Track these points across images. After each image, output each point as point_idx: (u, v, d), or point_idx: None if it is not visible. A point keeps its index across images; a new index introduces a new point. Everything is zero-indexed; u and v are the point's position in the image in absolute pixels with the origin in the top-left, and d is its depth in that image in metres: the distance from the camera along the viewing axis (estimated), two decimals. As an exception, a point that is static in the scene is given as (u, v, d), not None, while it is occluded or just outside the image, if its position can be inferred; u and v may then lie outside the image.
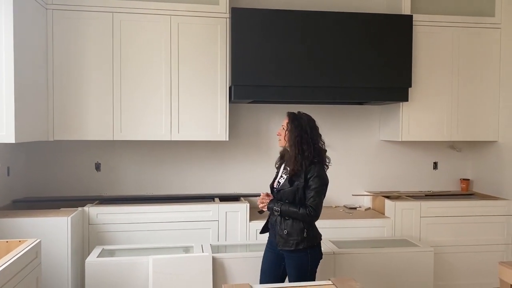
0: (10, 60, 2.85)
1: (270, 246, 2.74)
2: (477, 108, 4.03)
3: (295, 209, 2.52)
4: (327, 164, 2.64)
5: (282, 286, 2.16)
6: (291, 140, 2.58)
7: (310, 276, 2.59)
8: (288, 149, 2.63)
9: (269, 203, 2.62)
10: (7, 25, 2.85)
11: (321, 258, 2.66)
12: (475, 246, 3.84)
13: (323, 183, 2.56)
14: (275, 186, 2.71)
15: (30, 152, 3.80)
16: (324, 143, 2.66)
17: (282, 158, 2.75)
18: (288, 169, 2.63)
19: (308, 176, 2.53)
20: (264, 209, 2.68)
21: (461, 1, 4.12)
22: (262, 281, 2.71)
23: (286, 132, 2.61)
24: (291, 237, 2.55)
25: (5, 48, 2.85)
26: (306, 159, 2.53)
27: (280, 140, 2.68)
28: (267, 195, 2.68)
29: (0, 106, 2.85)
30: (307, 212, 2.50)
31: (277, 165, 2.81)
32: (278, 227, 2.59)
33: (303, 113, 2.67)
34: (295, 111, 2.69)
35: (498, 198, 3.99)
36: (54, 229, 3.03)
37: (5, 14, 2.84)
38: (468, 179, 4.39)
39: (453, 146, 4.38)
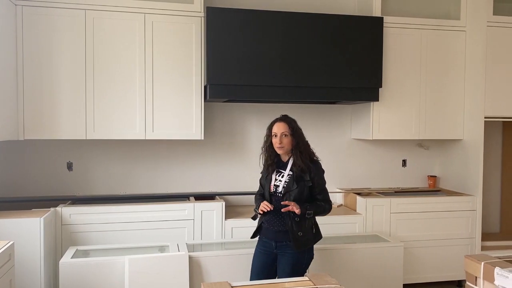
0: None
1: (263, 247, 2.76)
2: (444, 108, 4.19)
3: (322, 208, 2.70)
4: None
5: (259, 283, 2.20)
6: (300, 141, 2.69)
7: (302, 274, 2.64)
8: (289, 153, 2.71)
9: (301, 209, 2.59)
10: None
11: (312, 257, 2.77)
12: (442, 240, 3.99)
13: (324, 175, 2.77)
14: (272, 190, 2.71)
15: (-2, 151, 3.70)
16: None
17: (273, 163, 2.75)
18: (283, 171, 2.71)
19: (313, 175, 2.66)
20: (263, 210, 2.64)
21: (429, 4, 4.27)
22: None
23: (292, 137, 2.68)
24: (305, 237, 2.66)
25: (-26, 45, 2.78)
26: (312, 154, 2.72)
27: (282, 147, 2.69)
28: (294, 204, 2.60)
29: (-32, 105, 2.78)
30: (329, 206, 2.73)
31: (265, 171, 2.80)
32: (291, 230, 2.61)
33: (287, 115, 2.81)
34: (280, 115, 2.78)
35: (463, 194, 4.16)
36: (26, 231, 2.97)
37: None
38: (435, 176, 4.56)
39: (421, 144, 4.54)
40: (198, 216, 3.56)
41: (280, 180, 2.70)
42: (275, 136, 2.70)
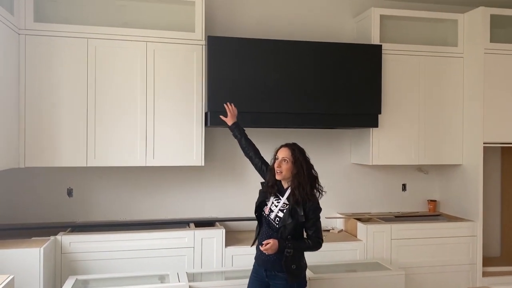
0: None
1: (256, 274, 2.74)
2: (443, 133, 4.21)
3: (306, 246, 2.62)
4: (321, 191, 2.71)
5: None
6: (301, 172, 2.62)
7: None
8: (289, 181, 2.66)
9: (279, 246, 2.54)
10: (-21, 53, 2.79)
11: (306, 285, 2.74)
12: (443, 267, 3.97)
13: (320, 213, 2.67)
14: (266, 213, 2.68)
15: (-2, 178, 3.69)
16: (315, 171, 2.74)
17: (273, 188, 2.71)
18: (281, 197, 2.66)
19: (307, 210, 2.59)
20: (268, 252, 2.57)
21: (427, 31, 4.33)
22: None
23: (293, 165, 2.63)
24: (298, 270, 2.62)
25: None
26: (313, 188, 2.64)
27: (280, 172, 2.66)
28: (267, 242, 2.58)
29: (-30, 136, 2.78)
30: (316, 244, 2.64)
31: (265, 193, 2.76)
32: (285, 264, 2.57)
33: (295, 143, 2.76)
34: (290, 142, 2.76)
35: (463, 219, 4.16)
36: (25, 261, 2.94)
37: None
38: (435, 200, 4.56)
39: (421, 168, 4.55)
40: (198, 244, 3.54)
41: (275, 206, 2.67)
42: (277, 159, 2.69)
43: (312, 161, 4.38)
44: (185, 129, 3.68)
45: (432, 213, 4.50)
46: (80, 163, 3.50)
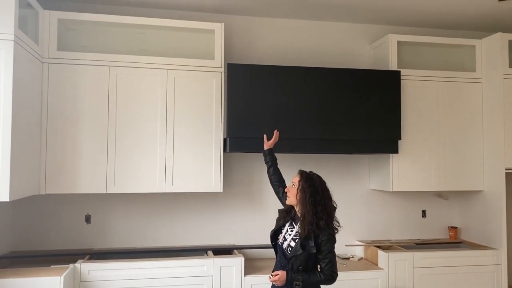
0: (8, 118, 2.82)
1: None
2: (463, 159, 4.15)
3: (316, 279, 2.49)
4: (337, 227, 2.60)
5: None
6: (304, 200, 2.52)
7: None
8: (297, 208, 2.59)
9: (287, 276, 2.50)
10: (7, 81, 2.83)
11: None
12: (467, 297, 3.87)
13: (334, 245, 2.55)
14: (280, 241, 2.64)
15: (16, 204, 3.69)
16: (335, 203, 2.63)
17: (288, 214, 2.68)
18: (295, 225, 2.60)
19: (320, 241, 2.50)
20: (277, 284, 2.54)
21: (444, 57, 4.33)
22: None
23: (298, 191, 2.56)
24: None
25: (3, 106, 2.83)
26: (320, 219, 2.48)
27: (289, 197, 2.63)
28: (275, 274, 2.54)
29: (-5, 163, 2.79)
30: (328, 278, 2.51)
31: (281, 220, 2.71)
32: None
33: (315, 173, 2.65)
34: (307, 170, 2.67)
35: (487, 247, 4.06)
36: (46, 290, 2.92)
37: (5, 72, 2.83)
38: (456, 227, 4.47)
39: (441, 194, 4.48)
40: (217, 272, 3.48)
41: (289, 234, 2.62)
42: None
43: (330, 187, 4.32)
44: (204, 155, 3.68)
45: (453, 241, 4.40)
46: (99, 189, 3.50)
